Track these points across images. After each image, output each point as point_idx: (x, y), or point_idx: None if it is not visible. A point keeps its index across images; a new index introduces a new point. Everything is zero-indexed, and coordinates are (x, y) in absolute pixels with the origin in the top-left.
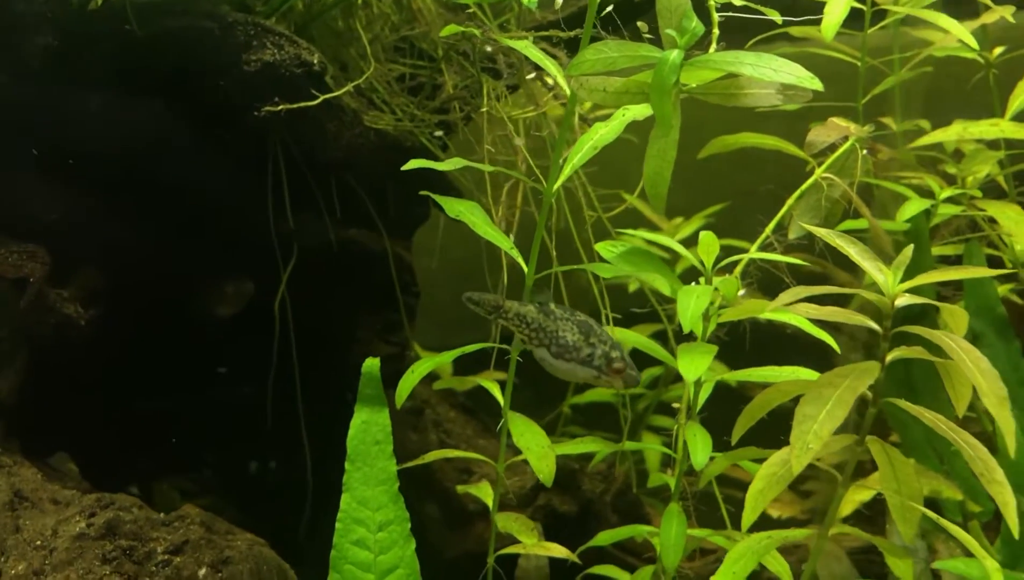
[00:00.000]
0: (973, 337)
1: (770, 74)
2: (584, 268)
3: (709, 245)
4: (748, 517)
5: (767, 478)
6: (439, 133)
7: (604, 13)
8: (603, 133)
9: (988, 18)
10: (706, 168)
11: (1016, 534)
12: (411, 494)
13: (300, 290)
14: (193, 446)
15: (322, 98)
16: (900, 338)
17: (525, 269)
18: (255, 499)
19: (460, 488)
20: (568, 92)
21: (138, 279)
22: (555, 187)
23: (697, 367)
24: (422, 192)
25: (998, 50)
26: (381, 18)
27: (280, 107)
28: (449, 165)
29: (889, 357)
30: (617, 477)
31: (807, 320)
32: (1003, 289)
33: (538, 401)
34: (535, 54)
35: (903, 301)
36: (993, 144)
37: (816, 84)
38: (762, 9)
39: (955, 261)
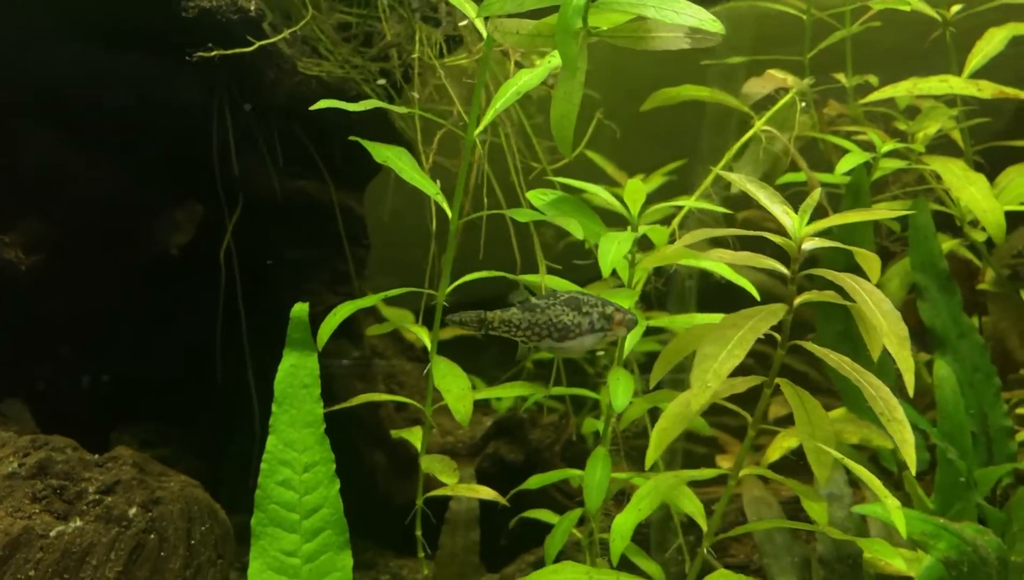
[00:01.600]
0: (917, 290)
1: (672, 16)
2: (504, 213)
3: (635, 193)
4: (651, 454)
5: (671, 417)
6: (381, 81)
7: None
8: (527, 79)
9: None
10: (679, 125)
11: (913, 470)
12: (360, 443)
13: (247, 240)
14: (147, 397)
15: (257, 45)
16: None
17: (449, 215)
18: (209, 448)
19: (393, 433)
20: (484, 34)
21: (85, 223)
22: (475, 133)
23: (617, 252)
24: (351, 137)
25: (955, 8)
26: None
27: (213, 53)
28: (359, 106)
29: (797, 300)
30: (568, 427)
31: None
32: (949, 244)
33: (502, 358)
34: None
35: (809, 245)
36: (951, 102)
37: (718, 27)
38: None
39: (901, 217)
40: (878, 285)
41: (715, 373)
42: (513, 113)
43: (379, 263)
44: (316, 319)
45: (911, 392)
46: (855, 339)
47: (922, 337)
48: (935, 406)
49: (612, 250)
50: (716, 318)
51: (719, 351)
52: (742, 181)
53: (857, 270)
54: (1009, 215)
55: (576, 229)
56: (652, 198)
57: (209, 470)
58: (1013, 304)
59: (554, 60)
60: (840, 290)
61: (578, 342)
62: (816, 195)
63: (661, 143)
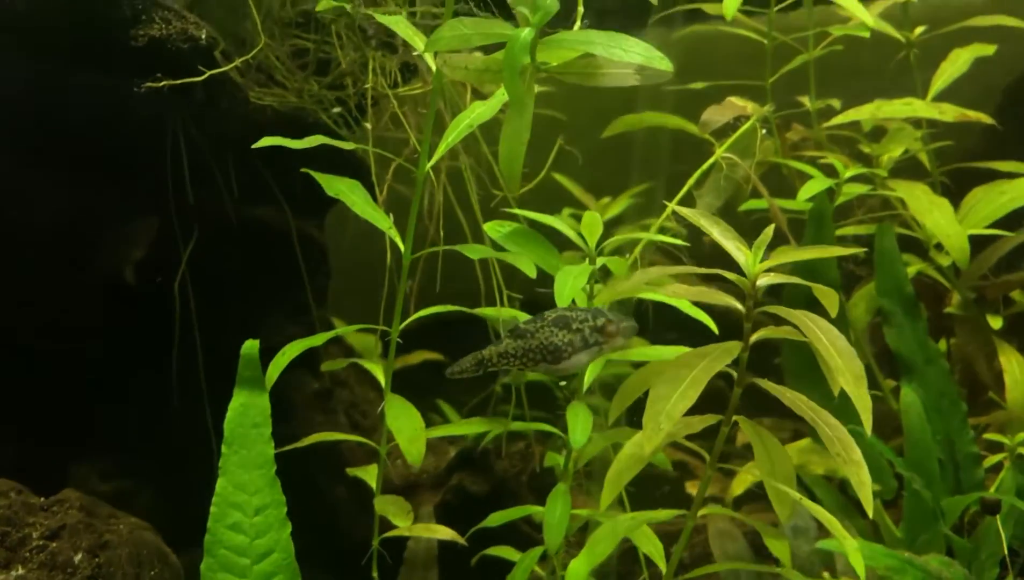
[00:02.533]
0: (883, 316)
1: (620, 54)
2: (457, 249)
3: (592, 225)
4: (606, 498)
5: (626, 459)
6: (337, 109)
7: None
8: (480, 111)
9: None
10: (651, 146)
11: (870, 513)
12: (320, 477)
13: (204, 269)
14: (105, 427)
15: (207, 74)
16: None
17: (402, 248)
18: (168, 482)
19: (349, 471)
20: (434, 69)
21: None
22: (426, 167)
23: (573, 288)
24: (304, 169)
25: (919, 29)
26: None
27: (162, 83)
28: (304, 143)
29: (753, 337)
30: (536, 456)
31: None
32: (916, 267)
33: (472, 383)
34: (404, 30)
35: (765, 280)
36: (917, 123)
37: (666, 65)
38: None
39: (868, 240)
40: (844, 311)
41: (667, 415)
42: (477, 137)
43: (348, 286)
44: (274, 350)
45: (868, 431)
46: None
47: (891, 362)
48: (902, 432)
49: (568, 285)
50: (679, 350)
51: (671, 392)
52: (695, 216)
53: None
54: (978, 237)
55: (528, 268)
56: (620, 220)
57: (169, 502)
58: (979, 327)
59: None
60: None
61: (574, 361)
62: (770, 231)
63: (641, 160)
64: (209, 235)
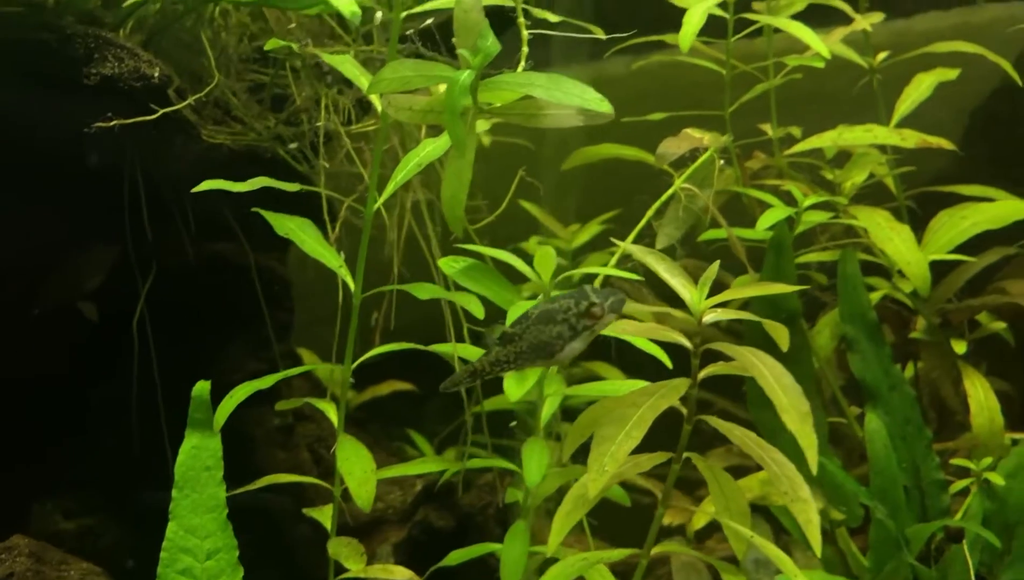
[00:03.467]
0: (847, 342)
1: (560, 96)
2: (404, 288)
3: (545, 259)
4: (554, 540)
5: (573, 501)
6: (293, 145)
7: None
8: (429, 150)
9: (857, 26)
10: (623, 173)
11: (818, 553)
12: (281, 517)
13: (163, 306)
14: (66, 464)
15: (159, 112)
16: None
17: (352, 287)
18: (132, 520)
19: (305, 511)
20: (379, 109)
21: None
22: (374, 208)
23: (521, 386)
24: (254, 209)
25: (881, 56)
26: (239, 27)
27: (112, 123)
28: (243, 186)
29: (701, 374)
30: (502, 489)
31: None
32: (881, 292)
33: (445, 411)
34: (350, 70)
35: (711, 317)
36: (884, 147)
37: (606, 107)
38: (589, 27)
39: (832, 266)
40: (807, 340)
41: (612, 456)
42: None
43: (321, 315)
44: (233, 386)
45: (814, 470)
46: None
47: (858, 389)
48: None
49: None
50: (638, 385)
51: (617, 432)
52: (642, 253)
53: (801, 330)
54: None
55: (476, 308)
56: (590, 246)
57: (132, 540)
58: (944, 352)
59: None
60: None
61: (568, 351)
62: (715, 268)
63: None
64: (167, 271)
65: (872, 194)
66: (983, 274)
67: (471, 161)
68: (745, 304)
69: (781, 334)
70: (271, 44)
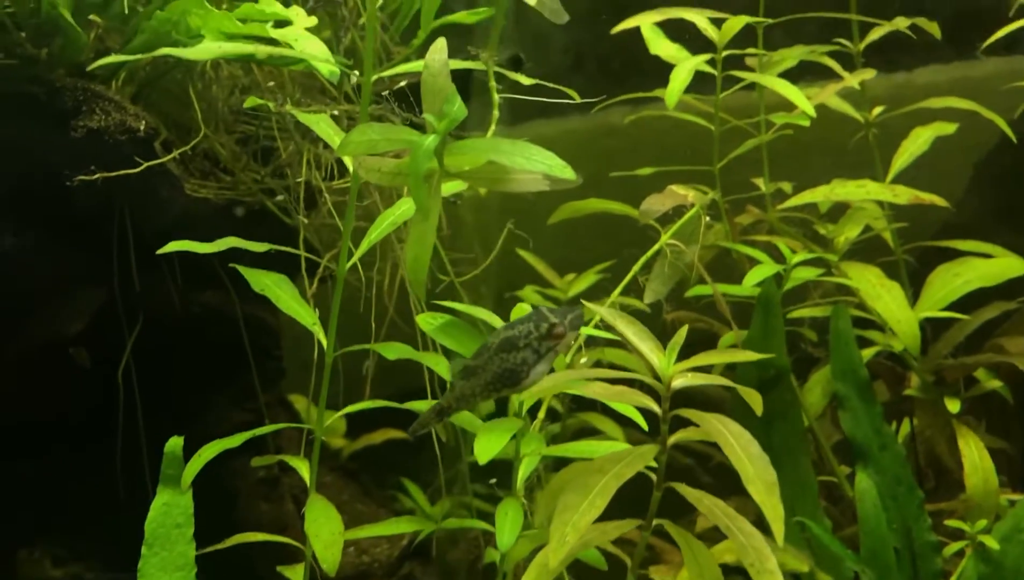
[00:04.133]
0: (838, 400)
1: (523, 162)
2: (370, 348)
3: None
4: None
5: (537, 568)
6: (280, 197)
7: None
8: (404, 209)
9: (848, 83)
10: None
11: None
12: (264, 571)
13: (148, 356)
14: (56, 511)
15: (143, 166)
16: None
17: (324, 344)
18: (120, 568)
19: (279, 568)
20: (351, 169)
21: None
22: (346, 267)
23: (491, 447)
24: (231, 264)
25: (877, 109)
26: (230, 80)
27: (96, 176)
28: (210, 247)
29: (670, 440)
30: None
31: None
32: (872, 350)
33: (434, 461)
34: (323, 129)
35: (681, 381)
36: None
37: (569, 173)
38: (565, 90)
39: (824, 322)
40: (797, 397)
41: (574, 526)
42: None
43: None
44: (219, 437)
45: (780, 543)
46: (776, 453)
47: (846, 449)
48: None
49: None
50: (615, 446)
51: (580, 501)
52: (611, 316)
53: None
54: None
55: (444, 371)
56: (589, 295)
57: None
58: (939, 410)
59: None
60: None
61: (534, 376)
62: (683, 333)
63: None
64: (153, 320)
65: (871, 248)
66: (984, 327)
67: (435, 224)
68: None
69: (755, 399)
70: (250, 101)
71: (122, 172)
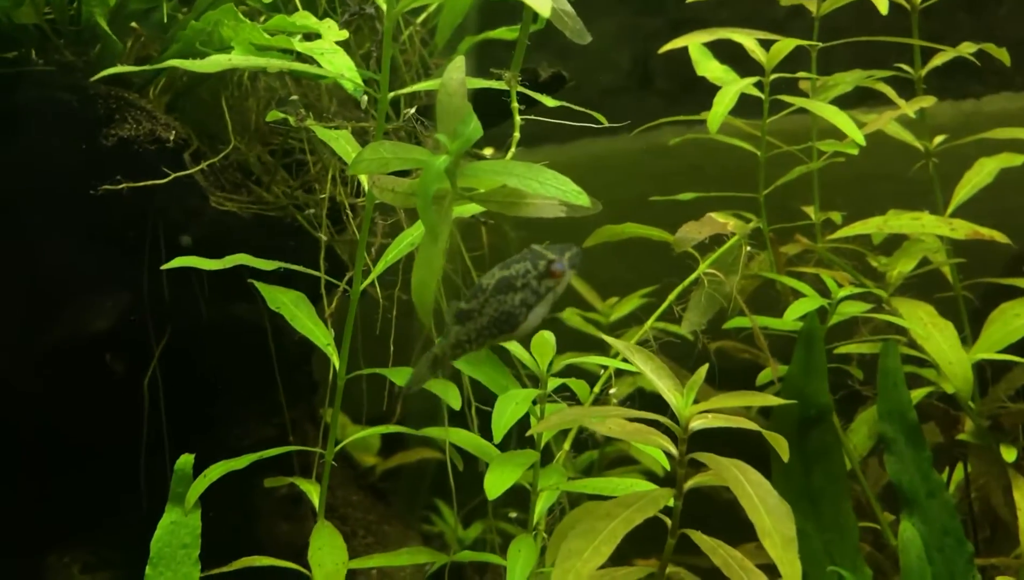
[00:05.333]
0: (884, 442)
1: (536, 186)
2: (383, 373)
3: (543, 346)
4: None
5: None
6: (311, 210)
7: None
8: (422, 231)
9: (905, 111)
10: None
11: None
12: None
13: (174, 366)
14: (78, 517)
15: (171, 177)
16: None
17: (336, 366)
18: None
19: None
20: (367, 188)
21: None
22: (360, 288)
23: (502, 481)
24: (249, 279)
25: (939, 139)
26: (267, 91)
27: (121, 185)
28: (218, 264)
29: (687, 484)
30: None
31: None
32: (920, 392)
33: (477, 479)
34: (341, 147)
35: (699, 422)
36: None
37: (583, 200)
38: (593, 114)
39: (872, 360)
40: (839, 438)
41: (577, 574)
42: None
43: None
44: (245, 452)
45: None
46: (815, 496)
47: (890, 495)
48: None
49: (507, 413)
50: (636, 484)
51: (584, 547)
52: (628, 350)
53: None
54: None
55: (455, 400)
56: (629, 321)
57: None
58: (994, 458)
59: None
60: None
61: (532, 319)
62: (703, 372)
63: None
64: (181, 331)
65: (930, 282)
66: None
67: (443, 248)
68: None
69: (781, 445)
70: (271, 115)
71: (147, 182)
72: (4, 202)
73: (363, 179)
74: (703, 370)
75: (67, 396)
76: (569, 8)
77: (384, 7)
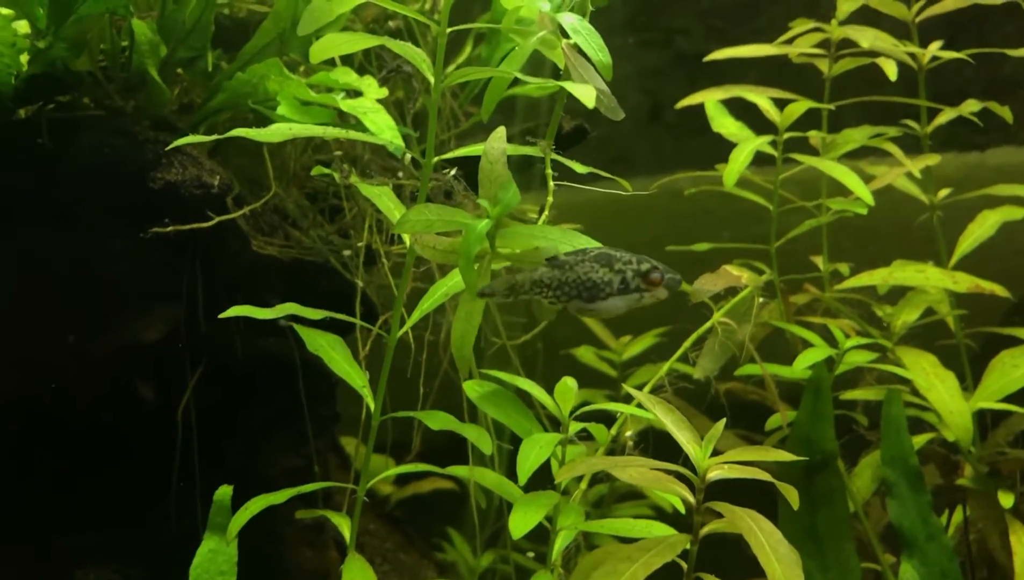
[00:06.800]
0: (886, 487)
1: (566, 249)
2: (415, 415)
3: (566, 392)
4: None
5: None
6: (347, 252)
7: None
8: (456, 281)
9: (911, 168)
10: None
11: None
12: None
13: (207, 399)
14: (104, 535)
15: (215, 221)
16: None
17: (371, 408)
18: None
19: None
20: (407, 243)
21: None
22: (396, 337)
23: (526, 521)
24: (281, 322)
25: (943, 192)
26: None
27: (169, 228)
28: (270, 313)
29: (703, 531)
30: None
31: None
32: (922, 439)
33: (491, 510)
34: (384, 203)
35: (717, 473)
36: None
37: None
38: (615, 179)
39: (876, 407)
40: (844, 482)
41: None
42: None
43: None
44: (273, 482)
45: None
46: (819, 537)
47: (892, 536)
48: None
49: (531, 457)
50: (652, 527)
51: None
52: (650, 402)
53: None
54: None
55: (485, 444)
56: (642, 359)
57: None
58: (992, 503)
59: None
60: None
61: (610, 303)
62: (721, 425)
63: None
64: (215, 363)
65: (935, 329)
66: None
67: (482, 306)
68: (781, 440)
69: (791, 494)
70: (316, 170)
71: (192, 226)
72: (52, 240)
73: (405, 238)
74: (720, 425)
75: (105, 425)
76: (605, 87)
77: (432, 81)
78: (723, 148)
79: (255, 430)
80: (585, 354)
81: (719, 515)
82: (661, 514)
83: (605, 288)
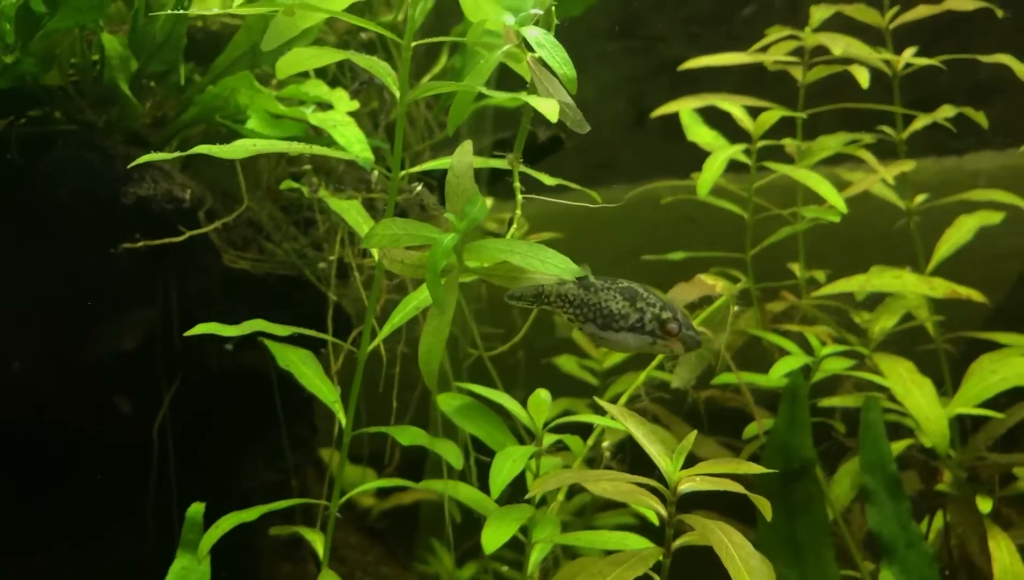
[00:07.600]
0: (865, 493)
1: (537, 265)
2: (386, 430)
3: (539, 404)
4: None
5: None
6: (322, 265)
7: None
8: (427, 295)
9: (884, 175)
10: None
11: None
12: None
13: (184, 412)
14: (77, 552)
15: (186, 235)
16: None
17: (343, 423)
18: None
19: None
20: (376, 258)
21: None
22: (367, 350)
23: (499, 536)
24: (259, 337)
25: (920, 198)
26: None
27: (140, 243)
28: (237, 330)
29: (676, 543)
30: None
31: None
32: (901, 445)
33: (475, 522)
34: (353, 217)
35: (688, 486)
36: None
37: (577, 273)
38: (591, 193)
39: (855, 414)
40: (822, 489)
41: None
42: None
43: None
44: (250, 496)
45: None
46: (798, 545)
47: (872, 542)
48: None
49: (504, 470)
50: (626, 539)
51: None
52: (621, 414)
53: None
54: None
55: (455, 459)
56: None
57: None
58: (971, 508)
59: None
60: None
61: (621, 337)
62: (691, 437)
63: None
64: (193, 379)
65: (914, 334)
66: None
67: (449, 319)
68: (760, 448)
69: (764, 505)
70: (285, 185)
71: (164, 241)
72: (25, 255)
73: (373, 252)
74: (692, 437)
75: (82, 438)
76: (570, 100)
77: (397, 95)
78: (707, 155)
79: (232, 444)
80: (567, 363)
81: (692, 528)
82: (644, 522)
83: (620, 321)
